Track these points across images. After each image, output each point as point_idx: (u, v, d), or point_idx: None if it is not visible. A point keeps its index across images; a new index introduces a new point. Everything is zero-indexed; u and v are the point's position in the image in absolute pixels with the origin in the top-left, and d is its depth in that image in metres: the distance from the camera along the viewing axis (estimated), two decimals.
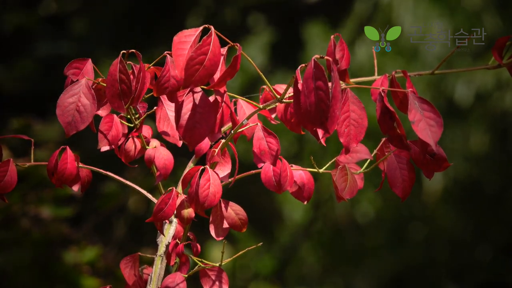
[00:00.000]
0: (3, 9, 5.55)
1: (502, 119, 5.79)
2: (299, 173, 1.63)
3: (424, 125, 1.34)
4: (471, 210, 5.94)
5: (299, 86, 1.30)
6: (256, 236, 5.57)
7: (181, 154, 2.07)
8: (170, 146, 1.70)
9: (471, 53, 5.54)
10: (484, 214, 5.92)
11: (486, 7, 5.66)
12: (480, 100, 5.74)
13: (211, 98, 1.42)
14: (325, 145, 1.50)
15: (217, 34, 1.35)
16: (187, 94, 1.41)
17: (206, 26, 1.35)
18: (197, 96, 1.40)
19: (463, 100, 5.73)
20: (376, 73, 1.59)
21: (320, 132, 1.31)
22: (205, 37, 1.34)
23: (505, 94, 5.73)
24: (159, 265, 1.63)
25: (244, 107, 1.63)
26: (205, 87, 1.42)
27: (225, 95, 1.44)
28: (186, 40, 1.35)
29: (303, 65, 1.33)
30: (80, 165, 1.66)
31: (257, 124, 1.54)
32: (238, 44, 1.38)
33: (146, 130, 1.70)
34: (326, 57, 1.35)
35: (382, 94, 1.37)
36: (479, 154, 5.77)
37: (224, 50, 1.40)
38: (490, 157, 5.81)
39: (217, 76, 1.39)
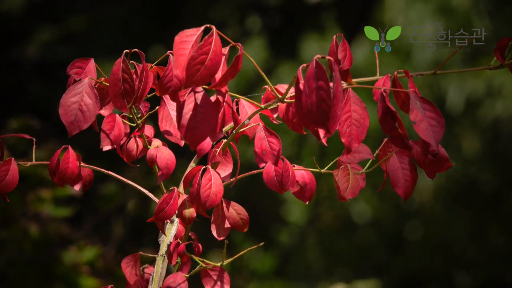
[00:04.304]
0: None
1: (493, 126, 5.81)
2: (301, 173, 1.63)
3: (426, 125, 1.34)
4: (467, 211, 5.95)
5: (301, 86, 1.30)
6: (254, 236, 5.58)
7: (181, 154, 2.08)
8: (171, 146, 1.70)
9: (461, 58, 5.56)
10: (480, 214, 5.93)
11: (475, 8, 5.68)
12: (471, 107, 5.77)
13: (213, 98, 1.42)
14: (326, 145, 1.50)
15: (218, 34, 1.35)
16: (188, 94, 1.40)
17: (208, 25, 1.35)
18: (199, 96, 1.40)
19: (454, 107, 5.74)
20: (378, 73, 1.59)
21: (321, 132, 1.31)
22: (206, 36, 1.34)
23: (496, 101, 5.75)
24: (160, 264, 1.63)
25: (246, 107, 1.63)
26: (206, 87, 1.42)
27: (226, 95, 1.44)
28: (187, 39, 1.34)
29: (305, 65, 1.32)
30: (82, 164, 1.66)
31: (258, 124, 1.54)
32: (239, 44, 1.38)
33: (148, 130, 1.70)
34: (327, 57, 1.35)
35: (384, 94, 1.37)
36: (471, 158, 5.78)
37: (225, 50, 1.40)
38: (482, 162, 5.83)
39: (218, 76, 1.39)
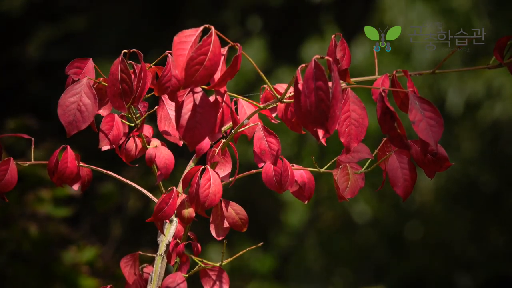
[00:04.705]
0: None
1: (493, 127, 5.81)
2: (300, 173, 1.63)
3: (424, 125, 1.34)
4: (467, 211, 5.95)
5: (300, 86, 1.30)
6: (254, 236, 5.57)
7: (181, 154, 2.07)
8: (170, 146, 1.70)
9: (461, 59, 5.56)
10: (480, 214, 5.94)
11: (476, 9, 5.68)
12: (471, 109, 5.77)
13: (212, 98, 1.42)
14: (325, 144, 1.50)
15: (217, 34, 1.35)
16: (187, 94, 1.40)
17: (207, 26, 1.35)
18: (198, 96, 1.40)
19: (454, 108, 5.74)
20: (376, 73, 1.59)
21: (320, 132, 1.31)
22: (205, 37, 1.34)
23: (496, 103, 5.75)
24: (159, 264, 1.63)
25: (245, 106, 1.63)
26: (205, 87, 1.42)
27: (225, 95, 1.44)
28: (186, 40, 1.34)
29: (304, 65, 1.33)
30: (81, 164, 1.66)
31: (257, 123, 1.54)
32: (238, 44, 1.38)
33: (147, 130, 1.69)
34: (326, 57, 1.35)
35: (383, 94, 1.37)
36: (471, 159, 5.78)
37: (224, 50, 1.40)
38: (482, 162, 5.83)
39: (217, 76, 1.39)
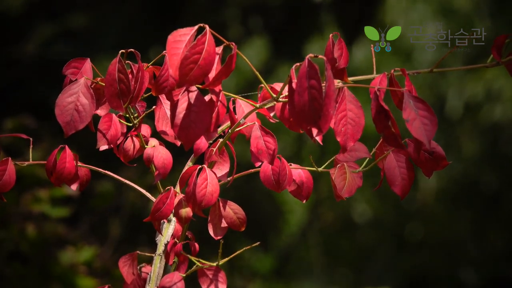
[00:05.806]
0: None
1: (492, 129, 5.81)
2: (298, 172, 1.63)
3: (418, 124, 1.34)
4: (468, 211, 5.95)
5: (293, 85, 1.30)
6: (254, 236, 5.57)
7: (180, 154, 2.08)
8: (169, 146, 1.70)
9: (462, 61, 5.56)
10: (481, 215, 5.94)
11: (477, 9, 5.68)
12: (471, 111, 5.77)
13: (207, 97, 1.42)
14: (321, 143, 1.50)
15: (212, 33, 1.35)
16: (182, 93, 1.40)
17: (201, 25, 1.35)
18: (192, 95, 1.40)
19: (454, 110, 5.74)
20: (374, 72, 1.59)
21: (314, 131, 1.31)
22: (199, 36, 1.34)
23: (495, 105, 5.75)
24: (158, 264, 1.63)
25: (243, 106, 1.63)
26: (200, 86, 1.42)
27: (220, 94, 1.44)
28: (181, 39, 1.34)
29: (298, 64, 1.33)
30: (79, 164, 1.66)
31: (254, 123, 1.54)
32: (233, 43, 1.38)
33: (145, 129, 1.69)
34: (320, 56, 1.35)
35: (378, 93, 1.37)
36: (472, 160, 5.78)
37: (219, 49, 1.40)
38: (482, 163, 5.83)
39: (212, 75, 1.39)
